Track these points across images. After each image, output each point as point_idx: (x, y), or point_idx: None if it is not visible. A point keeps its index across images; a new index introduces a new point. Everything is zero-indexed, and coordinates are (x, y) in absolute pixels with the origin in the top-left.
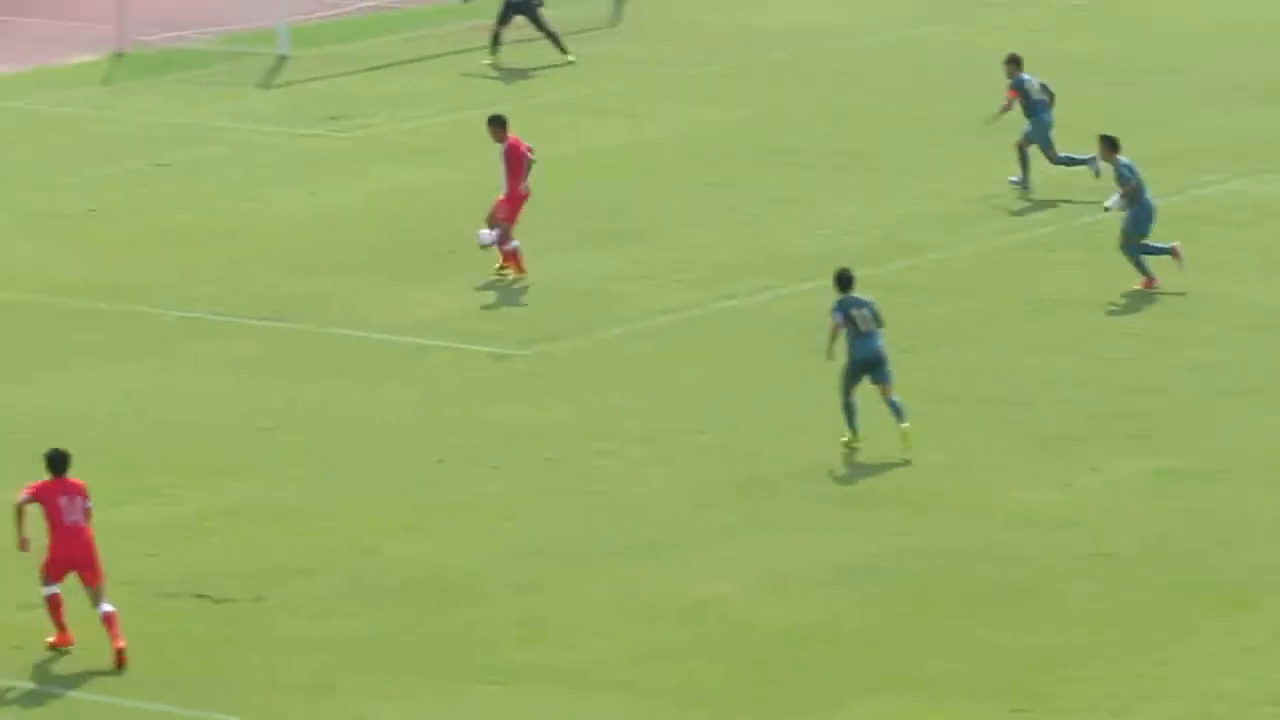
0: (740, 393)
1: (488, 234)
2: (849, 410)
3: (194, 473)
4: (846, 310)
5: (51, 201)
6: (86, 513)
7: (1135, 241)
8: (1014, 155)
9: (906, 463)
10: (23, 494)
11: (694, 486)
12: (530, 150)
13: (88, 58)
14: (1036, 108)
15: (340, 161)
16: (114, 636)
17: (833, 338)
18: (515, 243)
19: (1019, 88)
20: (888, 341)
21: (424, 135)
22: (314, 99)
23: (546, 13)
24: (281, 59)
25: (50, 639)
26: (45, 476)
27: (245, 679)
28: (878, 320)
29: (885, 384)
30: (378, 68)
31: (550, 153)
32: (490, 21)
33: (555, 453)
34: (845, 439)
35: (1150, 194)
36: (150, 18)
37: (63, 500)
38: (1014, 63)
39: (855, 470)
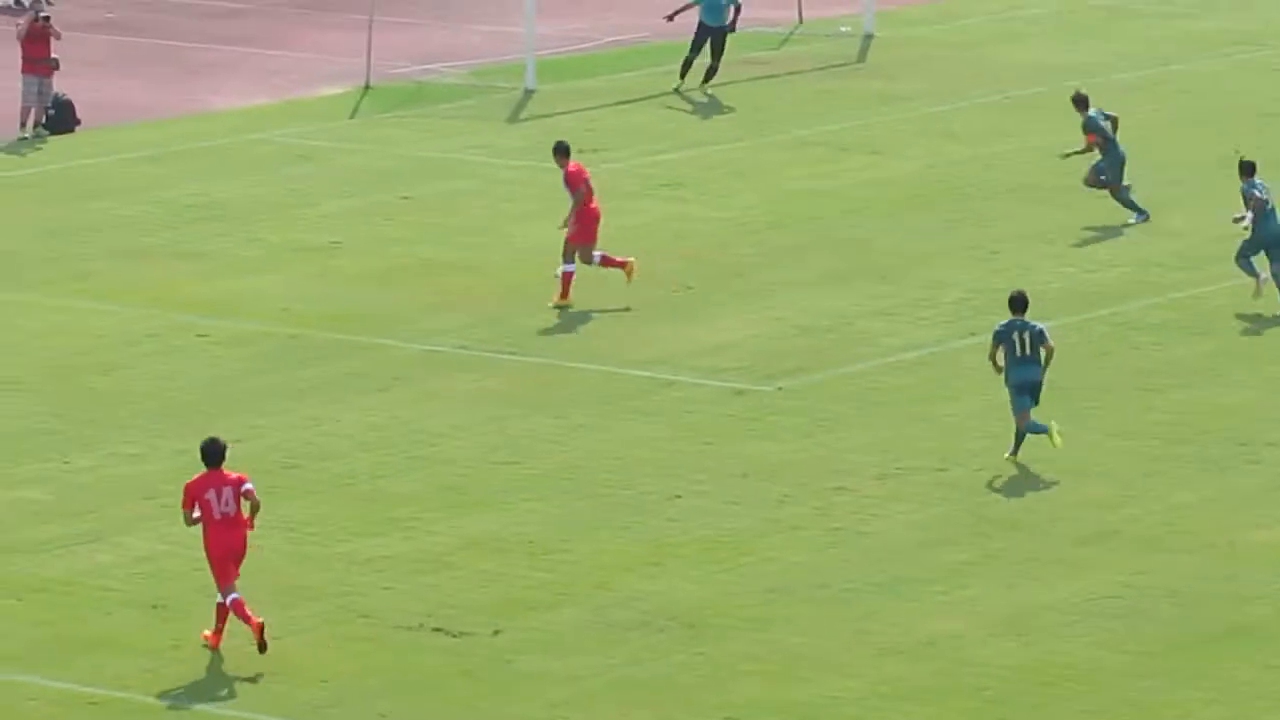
0: (980, 430)
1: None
2: (1018, 434)
3: (434, 506)
4: (1009, 334)
5: (297, 234)
6: (241, 503)
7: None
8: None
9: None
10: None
11: (932, 524)
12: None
13: (336, 90)
14: (1111, 144)
15: None
16: (247, 618)
17: (993, 359)
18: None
19: (1096, 129)
20: (1125, 377)
21: (670, 169)
22: (561, 133)
23: (798, 48)
24: (529, 93)
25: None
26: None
27: (481, 714)
28: (1040, 346)
29: (1025, 410)
30: (625, 102)
31: (792, 188)
32: (730, 58)
33: (793, 488)
34: (1007, 455)
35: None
36: (399, 51)
37: (210, 494)
38: (1081, 102)
39: (1094, 508)
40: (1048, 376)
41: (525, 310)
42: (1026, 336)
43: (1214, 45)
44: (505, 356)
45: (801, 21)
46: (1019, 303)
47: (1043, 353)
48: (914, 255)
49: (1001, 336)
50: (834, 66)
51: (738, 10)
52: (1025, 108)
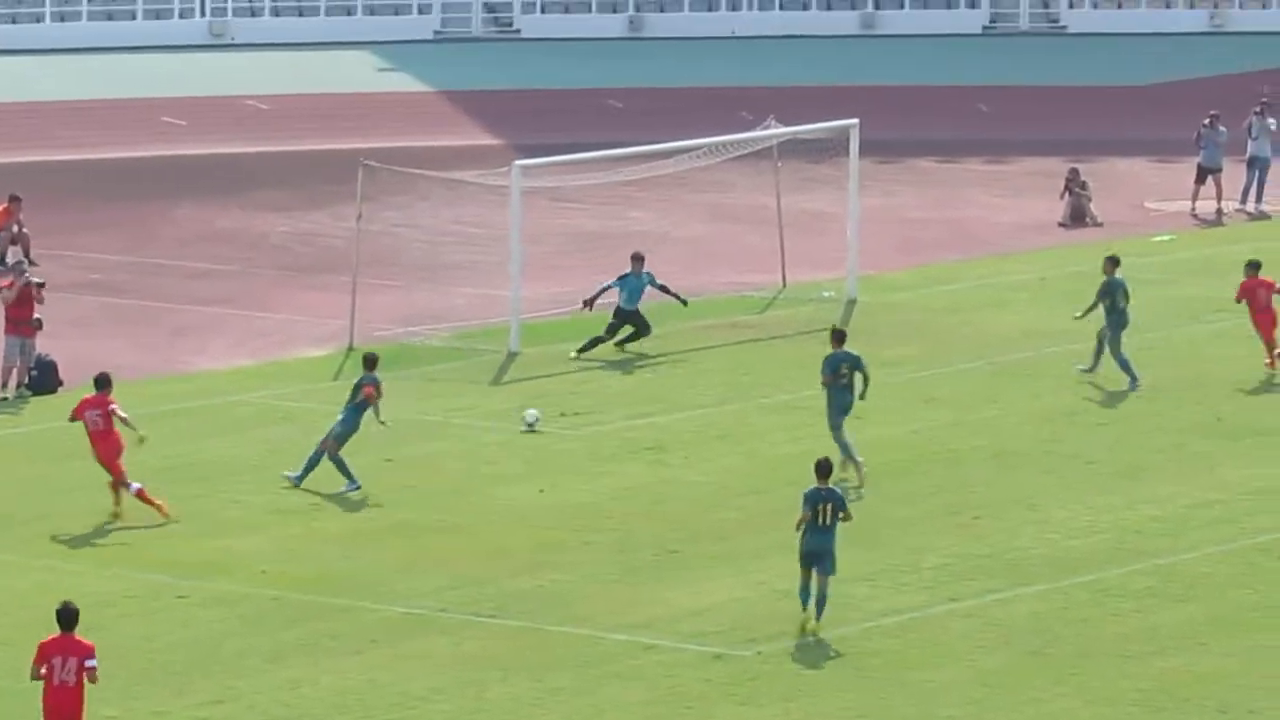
0: (961, 696)
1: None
2: (804, 593)
3: None
4: (814, 502)
5: (279, 495)
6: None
7: None
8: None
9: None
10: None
11: None
12: None
13: (320, 352)
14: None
15: (569, 459)
16: None
17: (800, 524)
18: None
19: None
20: (1106, 644)
21: (654, 432)
22: (544, 396)
23: (781, 312)
24: (512, 355)
25: None
26: None
27: None
28: (839, 515)
29: (825, 575)
30: (610, 365)
31: (776, 452)
32: (715, 322)
33: None
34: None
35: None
36: (382, 313)
37: (57, 660)
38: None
39: None
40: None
41: (506, 573)
42: (829, 507)
43: (1193, 312)
44: (484, 619)
45: (785, 286)
46: (823, 469)
47: (838, 522)
48: (896, 520)
49: (810, 501)
50: (818, 331)
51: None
52: (1009, 373)
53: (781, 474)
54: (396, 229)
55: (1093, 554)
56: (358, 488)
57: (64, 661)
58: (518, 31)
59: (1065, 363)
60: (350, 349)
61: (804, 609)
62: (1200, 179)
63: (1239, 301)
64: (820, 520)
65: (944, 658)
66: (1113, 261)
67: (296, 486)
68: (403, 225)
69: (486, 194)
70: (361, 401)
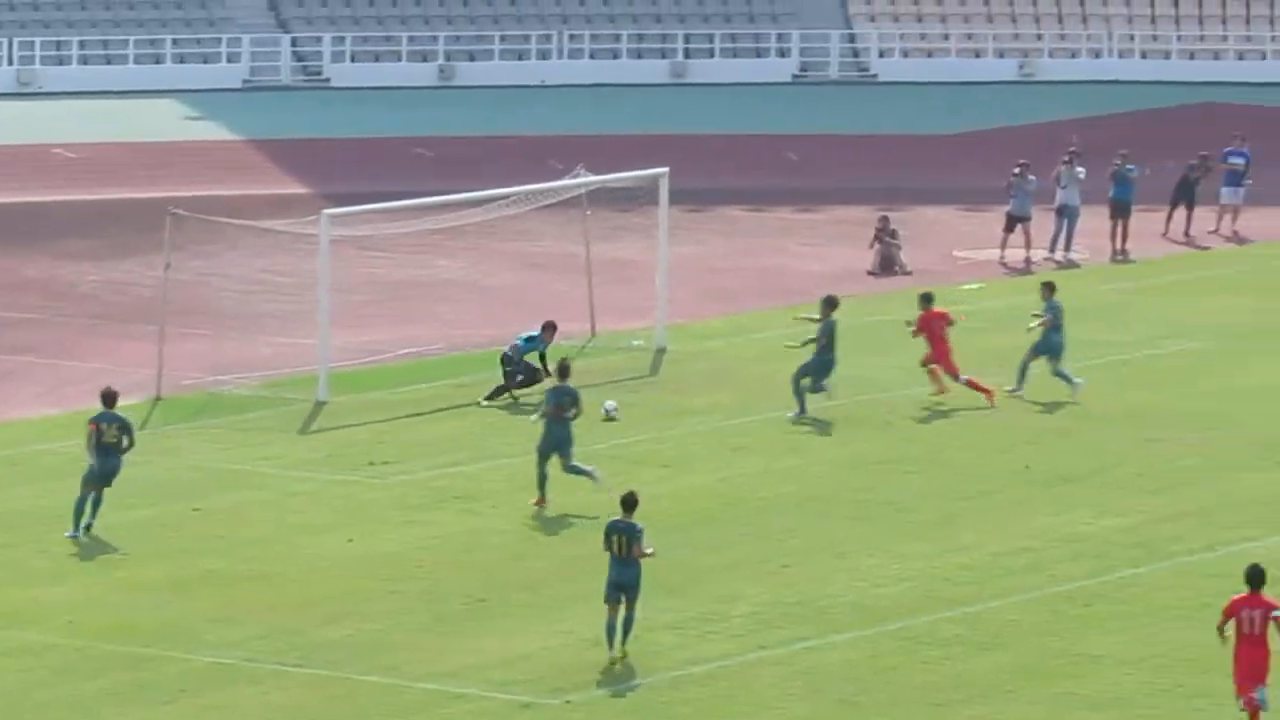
0: None
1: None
2: (609, 630)
3: None
4: (608, 534)
5: (86, 544)
6: None
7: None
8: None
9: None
10: None
11: None
12: None
13: (128, 401)
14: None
15: (377, 508)
16: None
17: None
18: None
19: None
20: (914, 692)
21: (463, 481)
22: (353, 445)
23: (591, 361)
24: (321, 404)
25: None
26: None
27: None
28: (632, 548)
29: (631, 604)
30: (417, 414)
31: (584, 501)
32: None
33: None
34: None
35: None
36: (190, 362)
37: None
38: (1049, 287)
39: None
40: None
41: (314, 622)
42: (624, 539)
43: (1002, 360)
44: (292, 669)
45: (595, 334)
46: (628, 503)
47: (638, 554)
48: (704, 568)
49: (606, 532)
50: (627, 380)
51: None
52: (817, 422)
53: (590, 523)
54: (205, 278)
55: (902, 602)
56: (74, 536)
57: None
58: (327, 80)
59: (875, 410)
60: (158, 398)
61: (609, 648)
62: (1009, 227)
63: (916, 336)
64: (617, 551)
65: (754, 706)
66: (1049, 286)
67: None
68: (211, 274)
69: (295, 243)
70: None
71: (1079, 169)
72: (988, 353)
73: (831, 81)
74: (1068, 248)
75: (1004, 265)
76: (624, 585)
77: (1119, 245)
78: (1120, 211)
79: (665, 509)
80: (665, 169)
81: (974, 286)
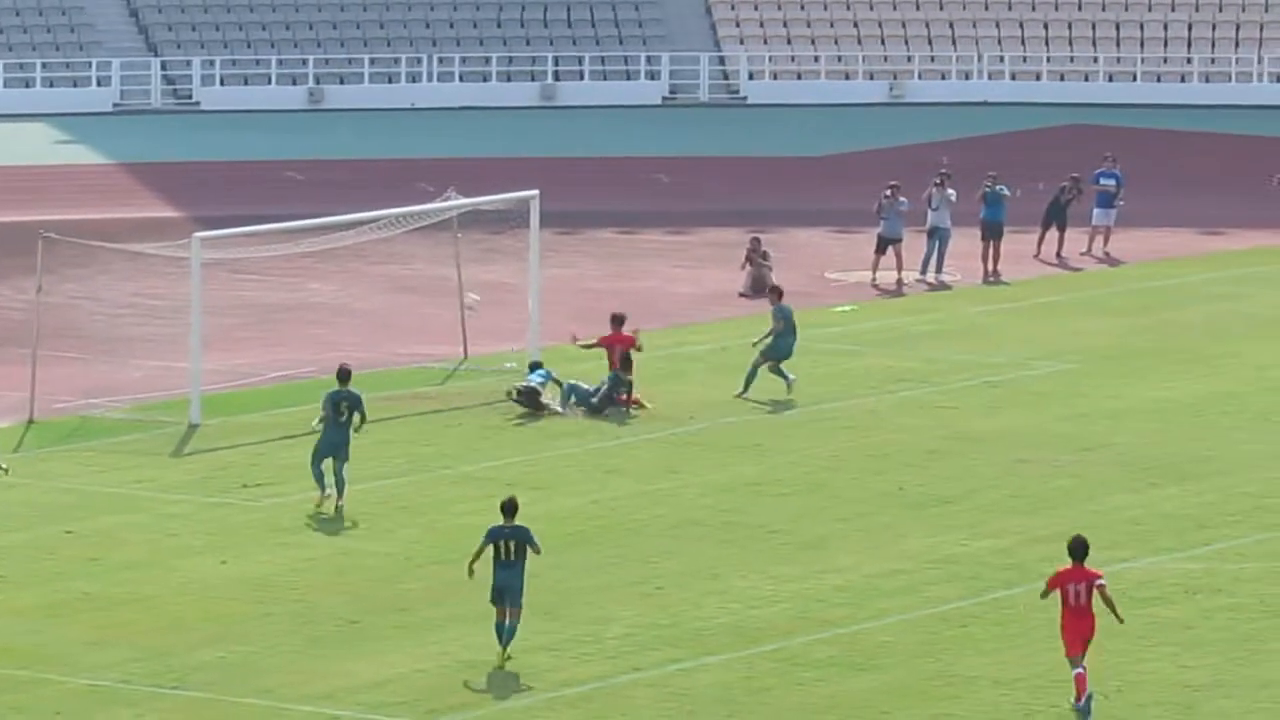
0: None
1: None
2: (498, 629)
3: None
4: (494, 539)
5: None
6: None
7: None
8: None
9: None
10: None
11: None
12: None
13: (0, 424)
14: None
15: (250, 530)
16: None
17: (474, 559)
18: None
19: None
20: (788, 714)
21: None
22: (226, 468)
23: (463, 383)
24: (193, 427)
25: None
26: None
27: None
28: (523, 552)
29: (514, 609)
30: (290, 437)
31: (458, 523)
32: (396, 393)
33: None
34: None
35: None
36: (62, 385)
37: None
38: (776, 292)
39: None
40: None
41: (189, 644)
42: (512, 544)
43: (875, 382)
44: (168, 691)
45: (467, 357)
46: (506, 508)
47: (526, 556)
48: (578, 590)
49: (491, 537)
50: (499, 402)
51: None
52: (690, 444)
53: (463, 545)
54: (77, 301)
55: (775, 623)
56: None
57: None
58: (197, 103)
59: (746, 434)
60: (30, 421)
61: (500, 646)
62: (880, 249)
63: (588, 349)
64: (503, 555)
65: None
66: (777, 291)
67: None
68: (83, 297)
69: (167, 266)
70: None
71: (950, 191)
72: (859, 374)
73: (702, 104)
74: (939, 269)
75: (876, 287)
76: (505, 588)
77: (991, 267)
78: (992, 233)
79: (539, 531)
80: (536, 191)
81: (847, 309)
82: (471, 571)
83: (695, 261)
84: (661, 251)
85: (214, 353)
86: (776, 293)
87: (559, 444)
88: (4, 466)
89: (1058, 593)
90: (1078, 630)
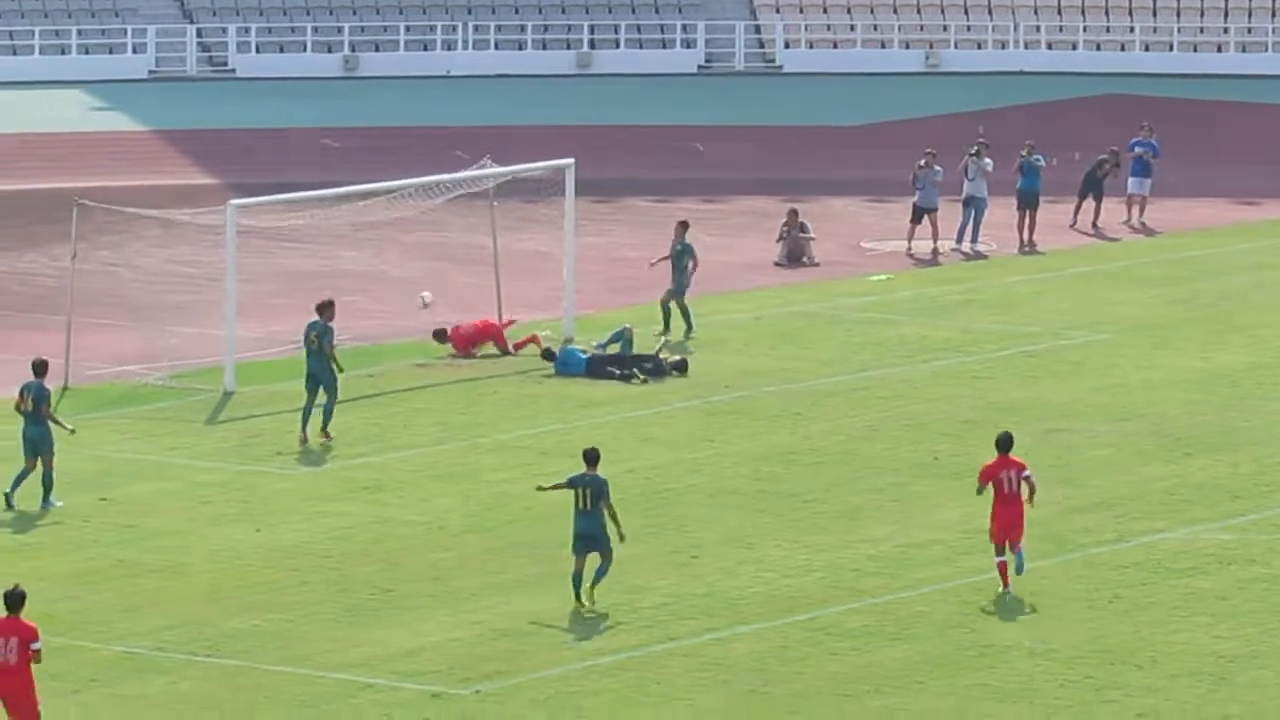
0: None
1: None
2: (576, 579)
3: None
4: (574, 485)
5: None
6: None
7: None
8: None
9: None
10: None
11: None
12: None
13: None
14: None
15: (285, 499)
16: None
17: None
18: None
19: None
20: (823, 683)
21: (371, 472)
22: (260, 435)
23: (499, 353)
24: (228, 395)
25: None
26: None
27: None
28: (600, 500)
29: (603, 556)
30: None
31: (492, 491)
32: (431, 361)
33: None
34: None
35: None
36: (97, 353)
37: None
38: (683, 225)
39: None
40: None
41: (223, 613)
42: (588, 491)
43: (910, 351)
44: (202, 659)
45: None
46: (590, 457)
47: (603, 507)
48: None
49: (571, 483)
50: (533, 371)
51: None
52: (726, 412)
53: (498, 513)
54: (111, 268)
55: (810, 593)
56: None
57: (6, 642)
58: (232, 71)
59: (782, 402)
60: (65, 388)
61: (576, 598)
62: (916, 219)
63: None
64: (581, 504)
65: (662, 697)
66: (684, 225)
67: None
68: (118, 265)
69: (202, 234)
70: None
71: (986, 160)
72: (895, 343)
73: (737, 72)
74: (975, 239)
75: (911, 257)
76: (589, 536)
77: (1026, 237)
78: (1027, 203)
79: (569, 502)
80: (571, 160)
81: (882, 278)
82: (540, 488)
83: (731, 230)
84: (697, 220)
85: (248, 320)
86: (683, 225)
87: (594, 412)
88: (71, 428)
89: (990, 488)
90: (1006, 518)
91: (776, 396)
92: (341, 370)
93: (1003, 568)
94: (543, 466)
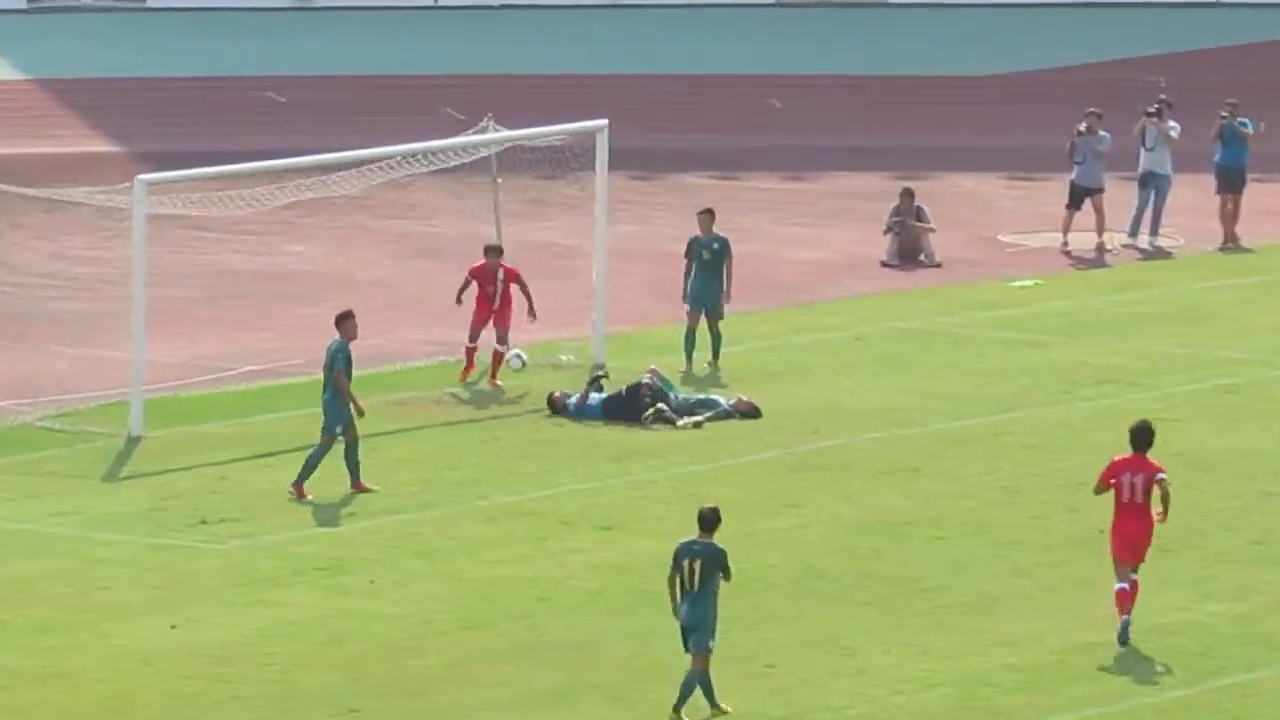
0: None
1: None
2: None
3: None
4: (678, 558)
5: None
6: None
7: None
8: None
9: None
10: None
11: None
12: None
13: None
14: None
15: (211, 582)
16: None
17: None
18: None
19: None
20: None
21: (328, 546)
22: (179, 497)
23: (504, 383)
24: (135, 441)
25: None
26: None
27: None
28: (710, 578)
29: (694, 653)
30: (266, 455)
31: (493, 574)
32: (414, 395)
33: None
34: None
35: None
36: None
37: None
38: (709, 214)
39: None
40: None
41: None
42: (697, 564)
43: (1070, 384)
44: None
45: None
46: (705, 520)
47: (713, 585)
48: (659, 667)
49: (678, 557)
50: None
51: None
52: (814, 467)
53: (500, 605)
54: None
55: (930, 715)
56: None
57: None
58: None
59: (891, 453)
60: None
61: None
62: (1074, 202)
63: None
64: (687, 583)
65: None
66: (710, 214)
67: None
68: None
69: (100, 220)
70: None
71: (1171, 124)
72: (1045, 373)
73: (820, 4)
74: (1155, 230)
75: (1068, 254)
76: (690, 625)
77: (1228, 227)
78: (1230, 182)
79: (603, 587)
80: (604, 121)
81: (1027, 284)
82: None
83: (819, 218)
84: (772, 203)
85: (163, 338)
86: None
87: (632, 466)
88: None
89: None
90: (1128, 533)
91: (883, 445)
92: (362, 414)
93: (1123, 597)
94: (562, 541)
